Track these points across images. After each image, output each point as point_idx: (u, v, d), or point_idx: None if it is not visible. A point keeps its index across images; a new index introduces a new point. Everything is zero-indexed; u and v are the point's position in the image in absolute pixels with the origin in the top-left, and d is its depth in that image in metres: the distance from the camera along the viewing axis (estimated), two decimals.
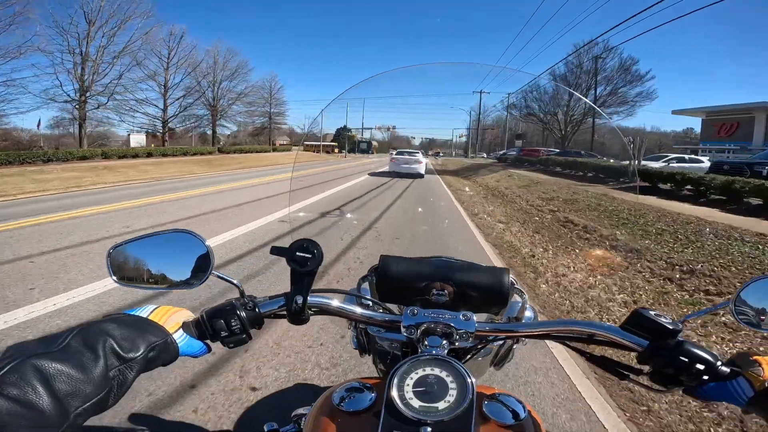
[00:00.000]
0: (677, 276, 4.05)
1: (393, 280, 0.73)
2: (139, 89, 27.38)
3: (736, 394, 0.51)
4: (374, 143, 27.44)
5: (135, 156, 21.15)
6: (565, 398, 2.06)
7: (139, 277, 0.61)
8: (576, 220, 6.68)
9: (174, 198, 8.66)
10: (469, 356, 0.70)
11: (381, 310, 0.71)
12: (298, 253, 0.59)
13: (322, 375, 2.13)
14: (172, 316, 0.55)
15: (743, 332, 2.78)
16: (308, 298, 0.61)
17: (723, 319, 2.92)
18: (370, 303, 0.71)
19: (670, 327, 0.54)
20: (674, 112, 30.49)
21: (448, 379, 0.51)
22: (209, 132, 34.88)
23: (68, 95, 22.89)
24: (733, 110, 23.80)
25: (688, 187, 9.55)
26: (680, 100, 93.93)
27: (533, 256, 4.60)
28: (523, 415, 0.53)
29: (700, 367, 0.52)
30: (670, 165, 15.03)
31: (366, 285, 0.78)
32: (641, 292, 3.71)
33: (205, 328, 0.56)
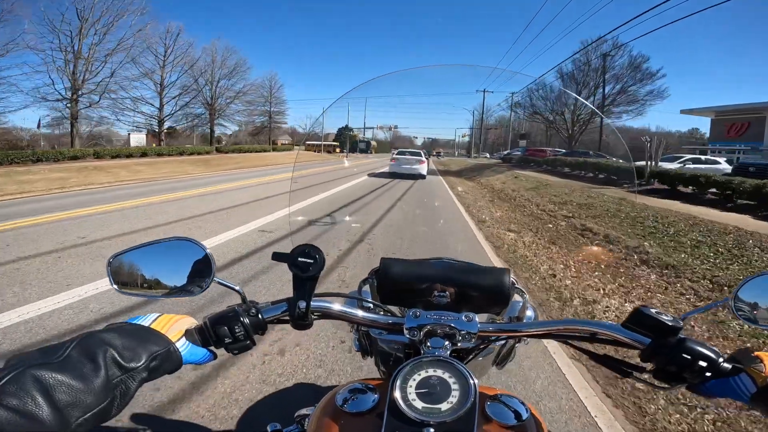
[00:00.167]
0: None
1: (394, 283, 0.73)
2: (134, 87, 26.84)
3: (739, 391, 0.51)
4: (373, 143, 27.01)
5: (129, 156, 20.56)
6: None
7: (140, 284, 0.61)
8: (595, 228, 5.99)
9: (158, 201, 8.03)
10: (471, 356, 0.70)
11: (382, 313, 0.70)
12: (300, 259, 0.59)
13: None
14: (175, 324, 0.54)
15: None
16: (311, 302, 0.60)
17: None
18: (372, 306, 0.71)
19: (672, 324, 0.54)
20: (683, 112, 29.59)
21: (451, 381, 0.51)
22: (213, 131, 34.29)
23: (60, 93, 22.33)
24: (744, 110, 23.11)
25: (712, 190, 8.83)
26: (685, 100, 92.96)
27: (554, 276, 3.91)
28: (525, 415, 0.53)
29: (703, 364, 0.51)
30: (686, 166, 14.28)
31: (367, 287, 0.79)
32: (693, 322, 3.03)
33: (208, 335, 0.56)
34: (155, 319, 0.53)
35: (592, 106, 29.81)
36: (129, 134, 28.73)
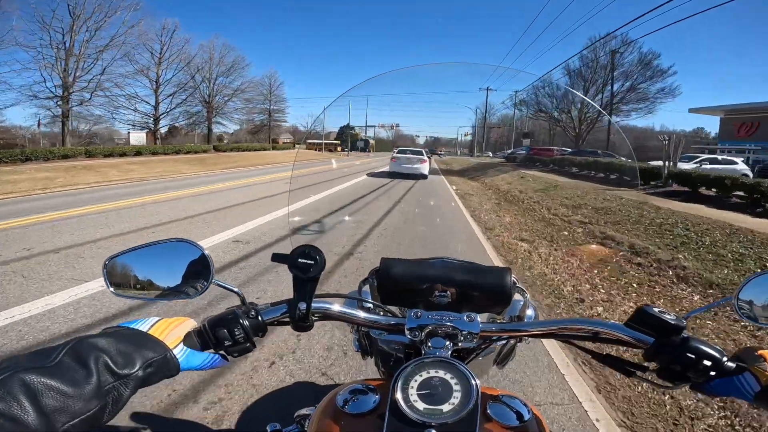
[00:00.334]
0: None
1: (394, 283, 0.71)
2: (128, 85, 26.28)
3: (743, 389, 0.50)
4: (371, 141, 26.48)
5: (123, 154, 20.02)
6: None
7: (137, 287, 0.60)
8: (618, 237, 5.35)
9: (139, 202, 7.44)
10: (472, 356, 0.70)
11: (383, 313, 0.71)
12: (300, 260, 0.58)
13: None
14: (174, 329, 0.53)
15: None
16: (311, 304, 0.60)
17: None
18: (372, 306, 0.72)
19: (675, 323, 0.53)
20: (691, 110, 28.78)
21: (453, 381, 0.51)
22: (211, 130, 33.73)
23: (51, 91, 21.79)
24: (754, 109, 22.53)
25: (738, 193, 8.16)
26: (686, 100, 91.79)
27: (581, 301, 3.27)
28: (527, 416, 0.52)
29: (707, 363, 0.51)
30: (702, 167, 13.58)
31: (367, 288, 0.78)
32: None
33: (208, 338, 0.55)
34: (153, 324, 0.52)
35: (597, 105, 29.00)
36: (129, 133, 28.26)
